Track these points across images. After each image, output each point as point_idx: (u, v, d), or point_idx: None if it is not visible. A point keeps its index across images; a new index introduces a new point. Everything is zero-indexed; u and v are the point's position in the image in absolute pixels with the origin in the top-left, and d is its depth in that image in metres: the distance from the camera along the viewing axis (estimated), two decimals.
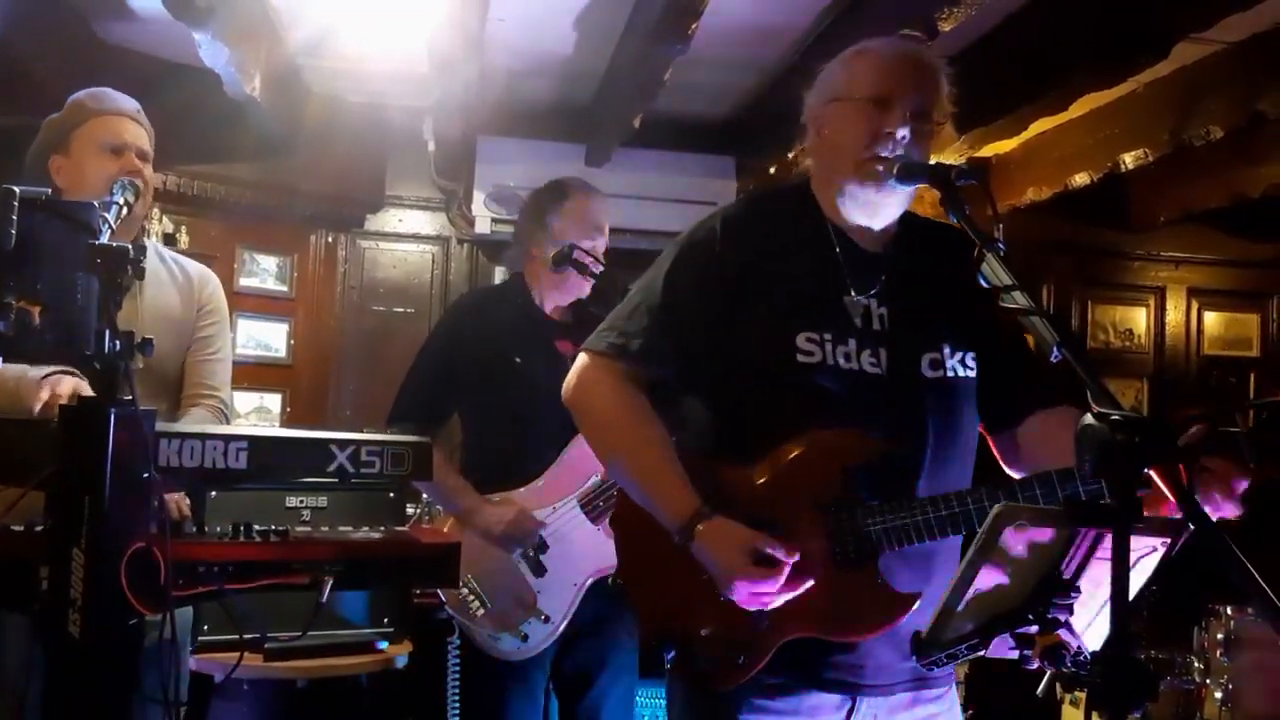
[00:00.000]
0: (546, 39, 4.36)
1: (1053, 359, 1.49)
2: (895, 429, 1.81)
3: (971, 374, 1.90)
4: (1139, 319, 6.27)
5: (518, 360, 2.96)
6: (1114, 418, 1.27)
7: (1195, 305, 6.33)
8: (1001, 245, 1.61)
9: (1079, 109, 4.78)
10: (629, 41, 4.04)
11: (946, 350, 1.88)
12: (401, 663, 3.82)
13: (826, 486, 1.78)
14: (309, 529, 2.46)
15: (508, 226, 5.29)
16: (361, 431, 2.11)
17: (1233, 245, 6.29)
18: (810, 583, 1.75)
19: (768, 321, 1.85)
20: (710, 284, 1.89)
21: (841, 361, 1.82)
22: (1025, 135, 5.07)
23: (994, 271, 1.59)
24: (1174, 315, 6.30)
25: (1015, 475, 1.90)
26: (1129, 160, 4.76)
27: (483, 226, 5.28)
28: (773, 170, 5.09)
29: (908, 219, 1.96)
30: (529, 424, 2.93)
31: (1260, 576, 1.24)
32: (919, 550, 1.78)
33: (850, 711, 1.85)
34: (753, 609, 1.77)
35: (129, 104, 2.64)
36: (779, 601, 1.75)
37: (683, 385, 1.96)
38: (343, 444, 2.01)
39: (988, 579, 1.41)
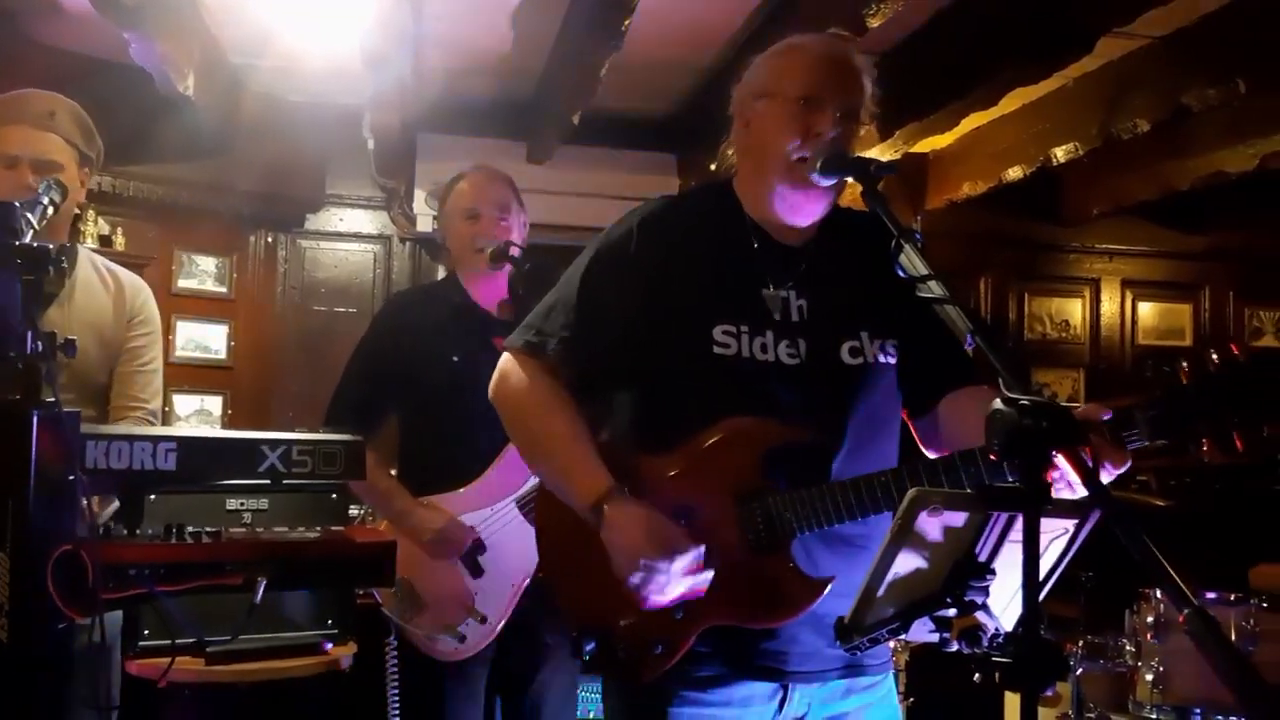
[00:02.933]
0: (483, 36, 4.36)
1: (966, 347, 1.52)
2: (812, 416, 1.83)
3: (892, 360, 1.93)
4: (1075, 310, 6.39)
5: (455, 359, 2.92)
6: (1022, 403, 1.30)
7: (1129, 296, 6.46)
8: (919, 235, 1.64)
9: (1012, 104, 4.86)
10: (565, 38, 4.06)
11: (865, 337, 1.91)
12: (347, 664, 3.79)
13: (742, 473, 1.80)
14: (245, 530, 2.45)
15: None
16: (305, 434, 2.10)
17: (1165, 237, 6.43)
18: (708, 575, 1.77)
19: (685, 315, 1.87)
20: (627, 282, 1.90)
21: (758, 353, 1.84)
22: (960, 130, 5.15)
23: (911, 262, 1.62)
24: (1109, 306, 6.43)
25: (934, 456, 1.93)
26: (1060, 154, 4.86)
27: (424, 225, 5.27)
28: (713, 167, 5.12)
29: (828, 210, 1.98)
30: (468, 424, 2.90)
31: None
32: (842, 534, 1.80)
33: (783, 701, 1.86)
34: (653, 601, 1.77)
35: (35, 108, 2.55)
36: (678, 590, 1.76)
37: (604, 381, 1.97)
38: (274, 444, 2.01)
39: (906, 563, 1.44)
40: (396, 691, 3.06)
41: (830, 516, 1.76)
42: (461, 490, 2.91)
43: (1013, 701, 3.99)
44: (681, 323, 1.86)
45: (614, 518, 1.78)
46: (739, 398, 1.82)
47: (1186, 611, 1.20)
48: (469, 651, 2.88)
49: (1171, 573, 1.25)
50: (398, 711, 3.06)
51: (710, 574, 1.77)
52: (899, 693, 3.78)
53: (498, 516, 2.91)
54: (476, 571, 2.90)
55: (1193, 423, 1.54)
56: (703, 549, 1.76)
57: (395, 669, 3.05)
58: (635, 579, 1.76)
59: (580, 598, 1.89)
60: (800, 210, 1.91)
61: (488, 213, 3.02)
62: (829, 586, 1.76)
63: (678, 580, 1.75)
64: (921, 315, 1.88)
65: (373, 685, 3.59)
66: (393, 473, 3.07)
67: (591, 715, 3.95)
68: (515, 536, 2.87)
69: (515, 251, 2.98)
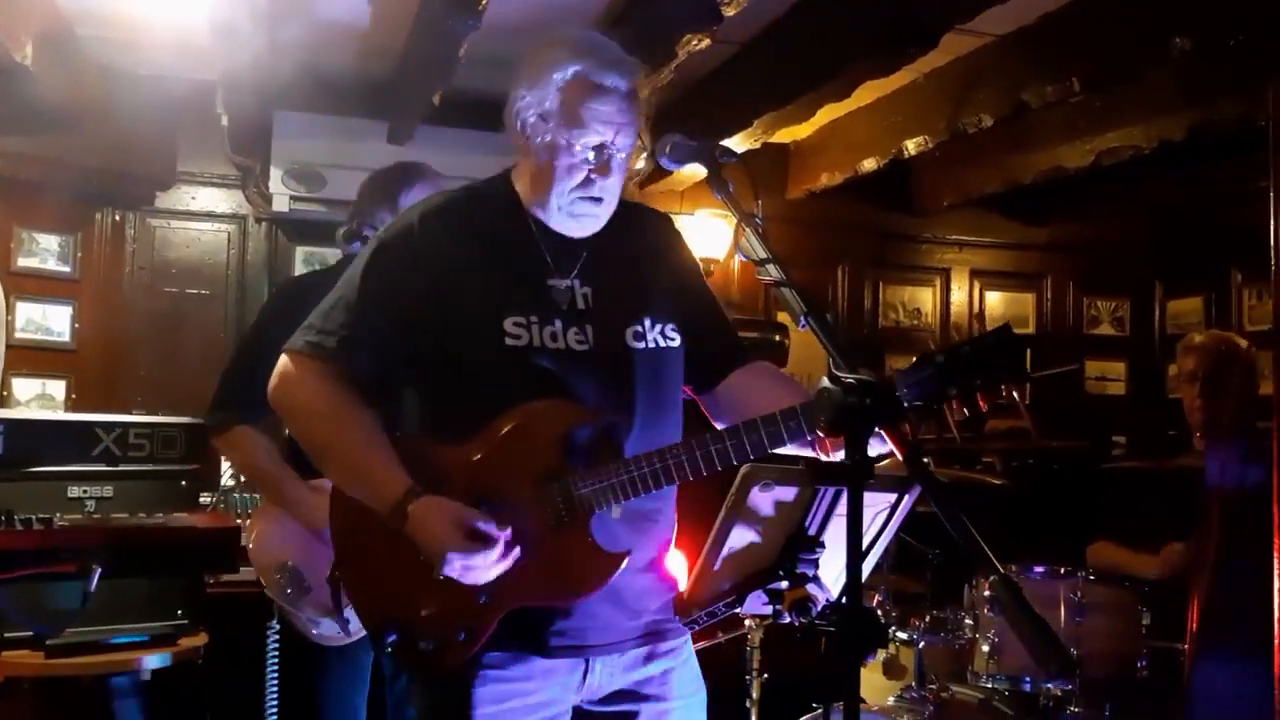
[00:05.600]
0: (342, 11, 4.28)
1: (800, 327, 1.58)
2: (604, 399, 1.89)
3: (674, 343, 2.01)
4: (926, 299, 6.61)
5: None
6: (847, 381, 1.36)
7: (977, 285, 6.71)
8: (759, 219, 1.69)
9: (866, 97, 5.00)
10: (424, 16, 4.01)
11: (648, 322, 1.98)
12: (197, 654, 3.69)
13: (540, 456, 1.84)
14: (81, 517, 2.36)
15: (307, 205, 5.14)
16: None
17: (1011, 229, 6.70)
18: (517, 552, 1.80)
19: (475, 310, 1.90)
20: (409, 277, 1.91)
21: (549, 341, 1.89)
22: (818, 122, 5.27)
23: (751, 246, 1.67)
24: (958, 295, 6.67)
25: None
26: (911, 147, 5.02)
27: (280, 205, 5.14)
28: None
29: None
30: None
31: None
32: (638, 509, 1.86)
33: (585, 672, 1.91)
34: (468, 584, 1.80)
35: None
36: (492, 575, 1.79)
37: (395, 377, 1.98)
38: (109, 427, 1.95)
39: (741, 538, 1.49)
40: (275, 676, 3.03)
41: (625, 491, 1.80)
42: None
43: (865, 675, 4.10)
44: (472, 317, 1.89)
45: (419, 517, 1.80)
46: (534, 385, 1.87)
47: (992, 578, 1.27)
48: (353, 637, 2.87)
49: (982, 544, 1.32)
50: (275, 695, 3.02)
51: (517, 551, 1.80)
52: (754, 669, 3.87)
53: None
54: None
55: (944, 385, 1.61)
56: (509, 533, 1.79)
57: (276, 653, 3.02)
58: (449, 572, 1.78)
59: (379, 591, 1.89)
60: (576, 227, 1.98)
61: None
62: (625, 560, 1.81)
63: (491, 569, 1.78)
64: (701, 300, 2.04)
65: (228, 676, 3.51)
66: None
67: None
68: None
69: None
